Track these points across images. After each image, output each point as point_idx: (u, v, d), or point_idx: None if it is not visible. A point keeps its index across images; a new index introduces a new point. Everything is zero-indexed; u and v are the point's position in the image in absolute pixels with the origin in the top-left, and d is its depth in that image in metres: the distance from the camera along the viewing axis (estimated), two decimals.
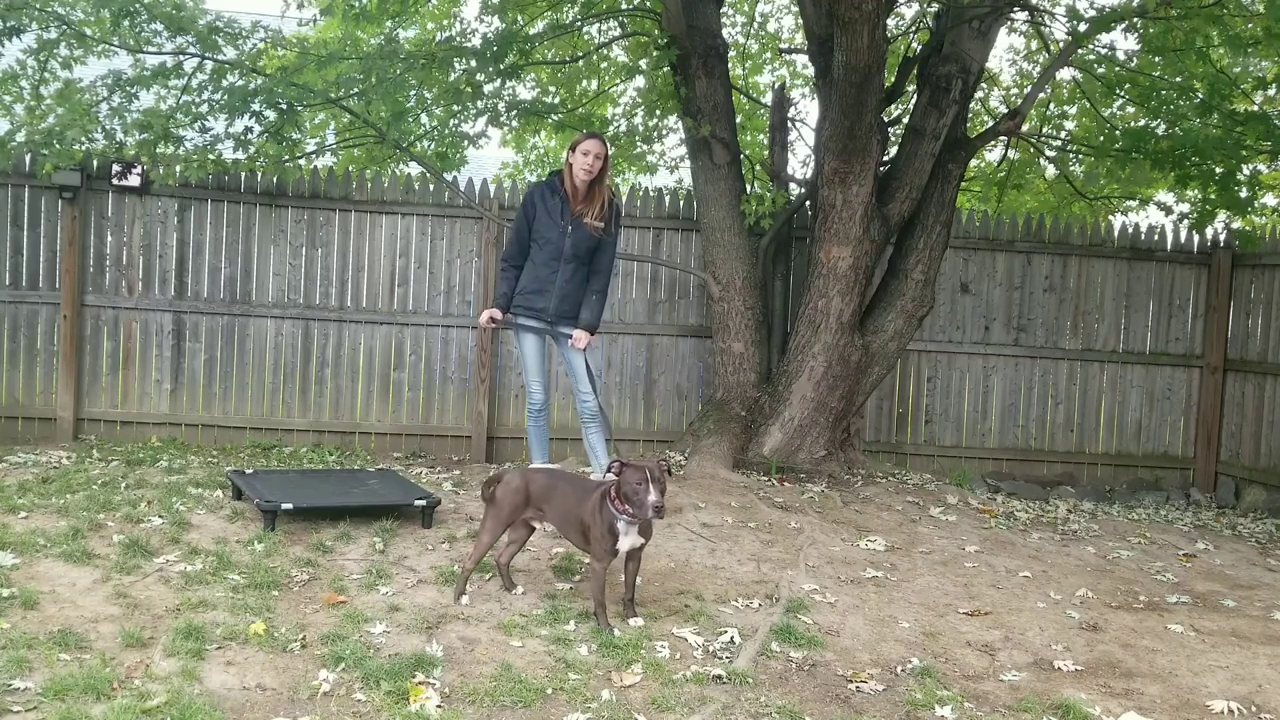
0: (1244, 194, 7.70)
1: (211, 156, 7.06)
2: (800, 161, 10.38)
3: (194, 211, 7.66)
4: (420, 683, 3.38)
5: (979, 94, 9.06)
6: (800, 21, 8.03)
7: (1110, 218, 9.86)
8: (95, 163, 7.31)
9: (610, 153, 5.59)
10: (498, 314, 5.61)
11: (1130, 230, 8.42)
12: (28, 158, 7.31)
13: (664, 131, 9.35)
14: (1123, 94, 8.49)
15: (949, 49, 7.07)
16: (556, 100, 8.85)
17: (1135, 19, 7.04)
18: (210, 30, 6.73)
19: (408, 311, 7.84)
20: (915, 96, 7.48)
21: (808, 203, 7.58)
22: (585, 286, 5.59)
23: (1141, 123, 8.51)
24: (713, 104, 7.31)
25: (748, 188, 7.69)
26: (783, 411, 7.12)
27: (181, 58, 6.85)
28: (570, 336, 5.54)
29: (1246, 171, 7.81)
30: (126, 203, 7.58)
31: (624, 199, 8.11)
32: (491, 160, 12.29)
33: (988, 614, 4.53)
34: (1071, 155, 9.42)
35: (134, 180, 7.43)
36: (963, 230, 8.18)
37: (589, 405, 5.58)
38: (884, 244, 7.26)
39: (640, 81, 8.64)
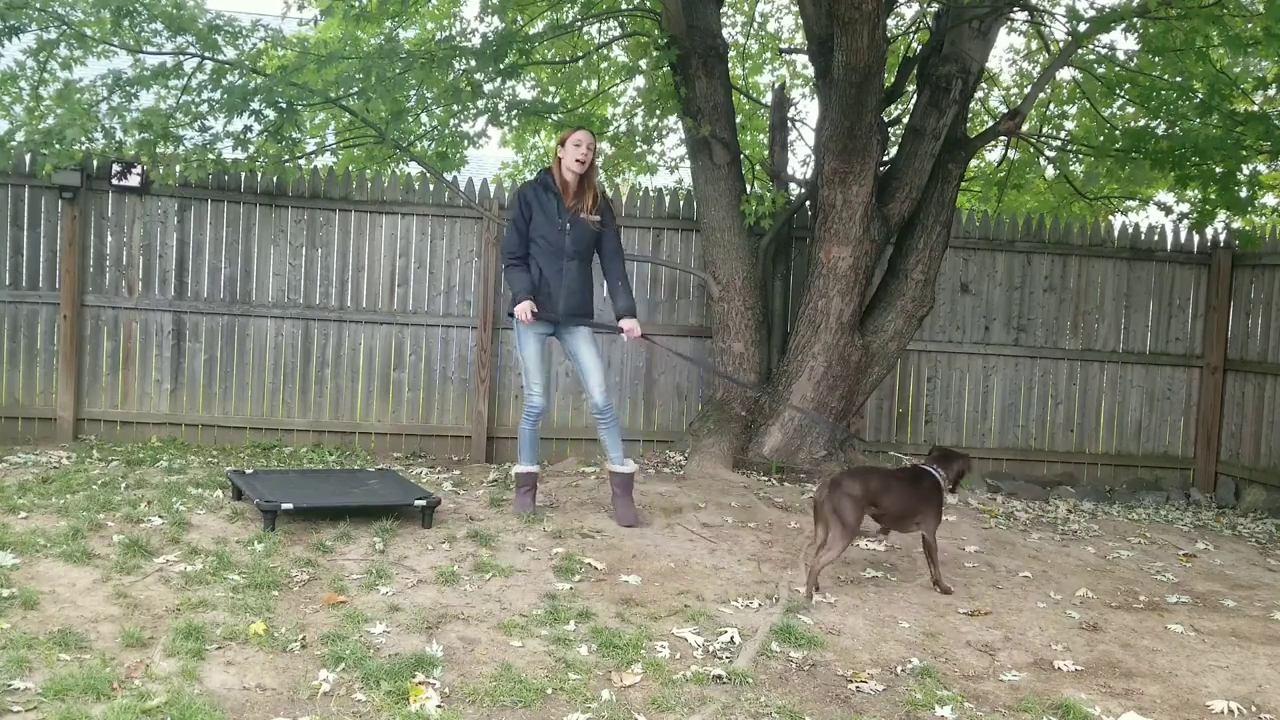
0: (1244, 194, 7.71)
1: (211, 156, 7.06)
2: (800, 161, 10.39)
3: (194, 211, 7.67)
4: (420, 683, 3.38)
5: (979, 94, 9.07)
6: (800, 21, 8.03)
7: (1110, 218, 9.87)
8: (95, 163, 7.31)
9: (598, 145, 5.55)
10: (532, 305, 5.35)
11: (1130, 230, 8.42)
12: (28, 158, 7.31)
13: (664, 131, 9.36)
14: (1123, 94, 8.49)
15: (949, 49, 7.07)
16: (556, 100, 8.85)
17: (1135, 19, 7.04)
18: (210, 29, 6.73)
19: (408, 311, 7.84)
20: (915, 96, 7.48)
21: (808, 203, 7.58)
22: (590, 282, 5.53)
23: (1141, 123, 8.52)
24: (713, 104, 7.31)
25: (748, 188, 7.69)
26: (783, 411, 7.12)
27: (181, 58, 6.85)
28: (573, 334, 5.48)
29: (1246, 171, 7.81)
30: (126, 203, 7.58)
31: (624, 199, 8.13)
32: (491, 160, 12.29)
33: (988, 614, 4.52)
34: (1071, 155, 9.42)
35: (134, 180, 7.43)
36: (963, 230, 8.18)
37: (599, 402, 5.53)
38: (884, 244, 7.26)
39: (640, 81, 8.64)
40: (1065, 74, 8.98)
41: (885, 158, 7.26)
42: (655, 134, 9.14)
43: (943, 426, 8.27)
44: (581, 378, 5.60)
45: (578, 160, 5.33)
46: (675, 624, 4.09)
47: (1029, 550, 5.74)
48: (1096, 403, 8.39)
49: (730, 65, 7.82)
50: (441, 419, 7.89)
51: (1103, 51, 8.27)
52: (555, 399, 7.86)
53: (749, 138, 9.83)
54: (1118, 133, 8.37)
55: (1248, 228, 8.88)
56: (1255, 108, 7.93)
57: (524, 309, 5.32)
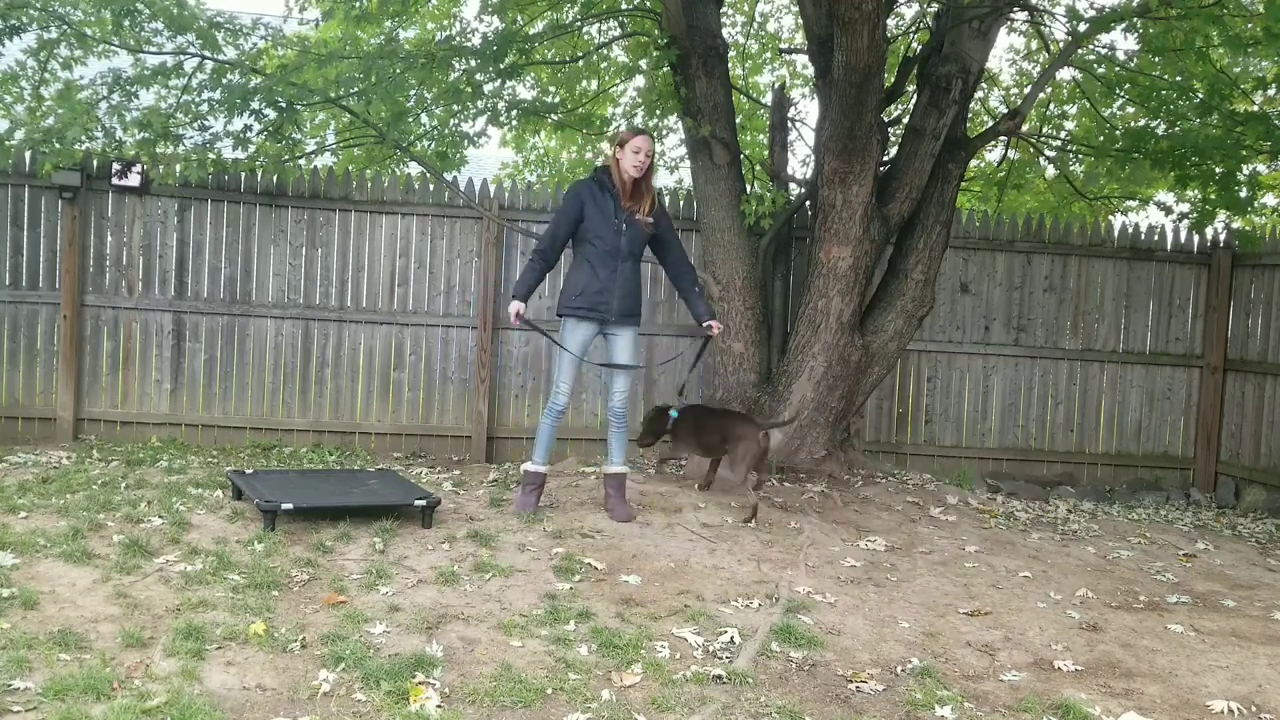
0: (1244, 194, 7.71)
1: (211, 156, 7.05)
2: (800, 161, 10.39)
3: (194, 211, 7.67)
4: (420, 683, 3.38)
5: (979, 94, 9.06)
6: (800, 21, 8.03)
7: (1110, 218, 9.87)
8: (95, 163, 7.31)
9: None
10: (522, 308, 5.43)
11: (1130, 230, 8.42)
12: (28, 157, 7.31)
13: (664, 131, 9.35)
14: (1123, 94, 8.49)
15: (949, 49, 7.07)
16: (556, 100, 8.84)
17: (1135, 19, 7.04)
18: (211, 26, 6.72)
19: (408, 311, 7.84)
20: (915, 96, 7.48)
21: (808, 203, 7.58)
22: (641, 283, 5.62)
23: (1141, 123, 8.51)
24: (713, 104, 7.30)
25: (748, 188, 7.68)
26: (783, 412, 7.11)
27: (182, 57, 6.85)
28: (620, 335, 5.55)
29: (1246, 171, 7.81)
30: (126, 203, 7.58)
31: None
32: (491, 160, 12.29)
33: (988, 614, 4.53)
34: (1071, 155, 9.42)
35: (134, 180, 7.43)
36: (963, 230, 8.18)
37: (617, 405, 5.60)
38: (884, 244, 7.25)
39: (640, 81, 8.63)
40: (1065, 74, 8.98)
41: (885, 158, 7.25)
42: (655, 134, 9.12)
43: (943, 426, 8.27)
44: (610, 379, 5.63)
45: (635, 166, 5.39)
46: (675, 624, 4.09)
47: (1029, 550, 5.74)
48: (1096, 403, 8.39)
49: (730, 65, 7.81)
50: (441, 419, 7.89)
51: (1103, 51, 8.26)
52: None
53: (749, 138, 9.83)
54: (1118, 133, 8.36)
55: (1248, 228, 8.88)
56: (1255, 108, 7.93)
57: (514, 308, 5.42)
